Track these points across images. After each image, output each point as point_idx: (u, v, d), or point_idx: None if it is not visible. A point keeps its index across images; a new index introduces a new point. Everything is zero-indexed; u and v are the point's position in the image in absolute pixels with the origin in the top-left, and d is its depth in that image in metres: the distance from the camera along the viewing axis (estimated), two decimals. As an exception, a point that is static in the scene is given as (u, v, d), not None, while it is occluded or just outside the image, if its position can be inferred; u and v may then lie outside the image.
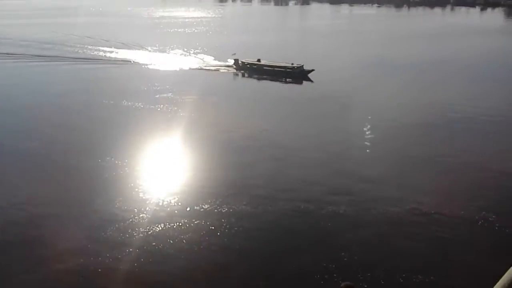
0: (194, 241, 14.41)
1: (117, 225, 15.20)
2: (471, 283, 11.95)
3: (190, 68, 44.48)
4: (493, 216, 15.15)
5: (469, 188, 17.67)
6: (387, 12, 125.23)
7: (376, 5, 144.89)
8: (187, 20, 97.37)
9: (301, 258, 13.32)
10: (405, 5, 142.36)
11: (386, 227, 15.10)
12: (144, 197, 17.36)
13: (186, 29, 78.92)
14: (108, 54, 50.93)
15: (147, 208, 16.46)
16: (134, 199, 17.12)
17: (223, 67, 44.13)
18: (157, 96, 33.07)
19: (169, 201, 17.01)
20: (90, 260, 13.28)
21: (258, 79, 40.66)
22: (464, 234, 14.56)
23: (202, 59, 48.31)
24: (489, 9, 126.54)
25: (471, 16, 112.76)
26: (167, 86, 35.87)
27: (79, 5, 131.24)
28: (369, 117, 27.08)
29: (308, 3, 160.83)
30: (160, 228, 15.11)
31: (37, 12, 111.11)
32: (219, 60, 46.72)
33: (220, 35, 70.66)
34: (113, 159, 20.89)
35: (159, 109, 29.73)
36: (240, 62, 43.11)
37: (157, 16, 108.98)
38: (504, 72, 41.82)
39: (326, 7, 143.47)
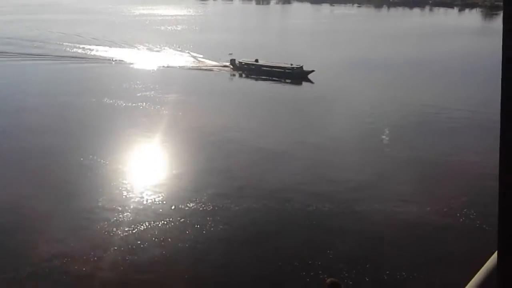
0: (180, 239, 14.36)
1: (101, 224, 15.05)
2: (452, 279, 12.18)
3: (180, 67, 43.78)
4: (474, 214, 15.48)
5: (450, 186, 18.02)
6: (367, 12, 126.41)
7: (356, 5, 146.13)
8: (168, 18, 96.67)
9: (286, 256, 13.39)
10: (384, 5, 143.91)
11: (370, 224, 15.29)
12: (128, 196, 17.22)
13: (168, 27, 78.42)
14: (89, 52, 50.24)
15: (131, 207, 16.33)
16: (118, 198, 16.97)
17: (219, 67, 43.09)
18: (140, 94, 32.81)
19: (153, 199, 16.91)
20: (74, 259, 13.12)
21: (256, 79, 39.83)
22: (446, 231, 14.85)
23: (190, 57, 47.74)
24: (467, 10, 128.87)
25: (449, 16, 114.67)
26: (156, 86, 35.40)
27: (58, 2, 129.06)
28: (357, 116, 27.36)
29: (289, 2, 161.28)
30: (145, 227, 15.02)
31: (17, 9, 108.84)
32: (206, 58, 46.26)
33: (202, 33, 70.42)
34: (95, 157, 20.65)
35: (141, 107, 29.50)
36: (237, 62, 42.03)
37: (137, 14, 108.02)
38: (481, 72, 42.57)
39: (307, 6, 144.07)
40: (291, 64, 39.59)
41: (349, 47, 57.17)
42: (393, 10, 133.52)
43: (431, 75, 40.69)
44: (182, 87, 35.23)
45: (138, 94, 32.76)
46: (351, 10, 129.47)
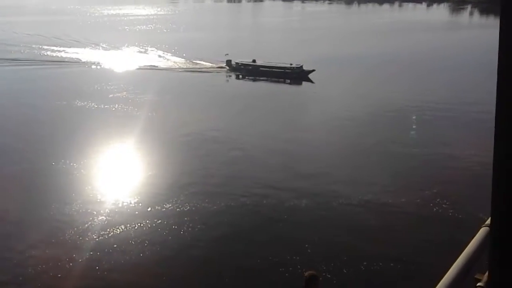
0: (157, 241, 14.23)
1: (76, 229, 14.77)
2: (426, 270, 12.42)
3: (170, 69, 42.62)
4: (447, 203, 15.85)
5: (423, 177, 18.40)
6: (338, 9, 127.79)
7: (327, 2, 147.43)
8: (139, 18, 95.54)
9: (265, 252, 13.44)
10: (355, 2, 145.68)
11: (346, 218, 15.48)
12: (102, 199, 16.96)
13: (138, 27, 77.50)
14: (57, 54, 49.15)
15: (107, 210, 16.09)
16: (93, 201, 16.69)
17: (215, 69, 41.84)
18: (117, 96, 32.32)
19: (129, 202, 16.70)
20: (49, 265, 12.85)
21: (253, 80, 39.00)
22: (419, 221, 15.15)
23: (165, 57, 47.05)
24: (435, 5, 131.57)
25: (418, 12, 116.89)
26: (142, 89, 34.60)
27: (23, 4, 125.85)
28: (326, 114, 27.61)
29: (261, 0, 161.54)
30: (121, 230, 14.82)
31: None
32: (178, 57, 45.70)
33: (175, 32, 69.85)
34: (68, 161, 20.25)
35: (114, 109, 29.08)
36: (233, 63, 40.96)
37: (107, 14, 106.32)
38: (448, 65, 43.55)
39: (279, 4, 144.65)
40: (291, 64, 38.66)
41: (323, 44, 57.48)
42: (363, 7, 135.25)
43: (402, 70, 41.41)
44: (176, 90, 34.48)
45: (136, 98, 32.23)
46: (322, 7, 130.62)
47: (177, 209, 16.06)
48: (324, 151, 21.88)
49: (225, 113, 28.34)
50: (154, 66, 43.65)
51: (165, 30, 72.96)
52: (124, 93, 33.06)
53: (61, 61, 45.70)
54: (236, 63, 40.95)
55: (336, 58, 47.15)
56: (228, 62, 41.36)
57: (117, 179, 19.19)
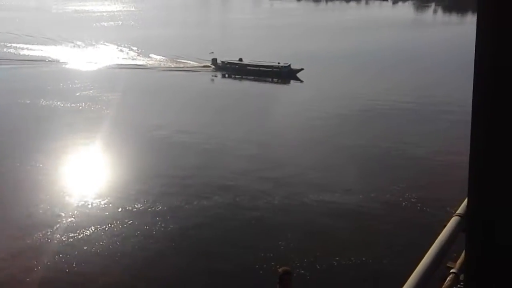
0: (128, 242, 14.01)
1: (44, 231, 14.37)
2: (399, 260, 12.71)
3: (152, 67, 41.50)
4: (415, 197, 16.23)
5: (391, 173, 18.77)
6: (306, 6, 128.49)
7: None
8: (104, 14, 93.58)
9: (239, 250, 13.45)
10: (322, 0, 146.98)
11: (319, 214, 15.64)
12: (71, 201, 16.56)
13: (106, 23, 75.92)
14: (20, 52, 47.61)
15: (76, 212, 15.73)
16: (61, 203, 16.28)
17: (200, 67, 40.73)
18: (87, 95, 31.59)
19: (98, 203, 16.37)
20: (17, 270, 12.48)
21: (240, 80, 38.29)
22: (390, 215, 15.45)
23: (131, 55, 46.07)
24: (400, 3, 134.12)
25: (384, 9, 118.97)
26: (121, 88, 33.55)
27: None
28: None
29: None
30: (91, 231, 14.52)
31: None
32: (158, 56, 44.58)
33: (146, 29, 68.63)
34: (33, 162, 19.70)
35: (81, 108, 28.43)
36: (219, 61, 39.84)
37: (71, 10, 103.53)
38: (412, 62, 44.41)
39: (248, 0, 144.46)
40: (278, 63, 38.12)
41: (297, 41, 57.18)
42: (330, 4, 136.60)
43: (367, 66, 41.97)
44: (159, 89, 33.57)
45: (108, 97, 31.49)
46: (290, 4, 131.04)
47: (149, 209, 15.86)
48: (297, 150, 21.95)
49: (203, 113, 27.96)
50: (132, 65, 42.31)
51: (136, 27, 71.74)
52: (103, 93, 32.31)
53: (24, 60, 44.13)
54: (222, 61, 39.90)
55: (315, 55, 46.34)
56: (214, 61, 40.19)
57: (86, 179, 18.76)
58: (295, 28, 71.27)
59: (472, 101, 2.17)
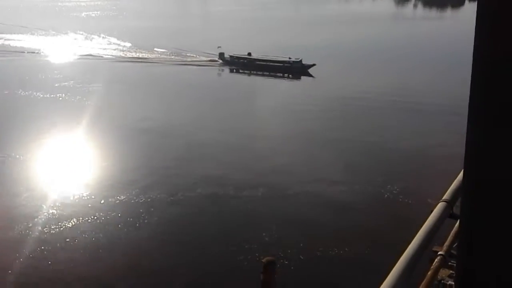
0: (112, 234, 13.92)
1: (25, 223, 14.18)
2: (381, 250, 12.94)
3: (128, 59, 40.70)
4: (397, 189, 16.50)
5: (374, 165, 19.02)
6: (287, 0, 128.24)
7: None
8: (82, 4, 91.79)
9: (224, 242, 13.49)
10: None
11: (302, 206, 15.77)
12: (52, 192, 16.33)
13: (82, 14, 74.53)
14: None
15: (57, 204, 15.54)
16: (42, 195, 16.07)
17: (206, 61, 39.67)
18: (73, 87, 31.04)
19: (80, 194, 16.21)
20: (-2, 262, 12.31)
21: (248, 75, 37.10)
22: (372, 207, 15.68)
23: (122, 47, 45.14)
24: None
25: (364, 4, 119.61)
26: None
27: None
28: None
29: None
30: (74, 223, 14.38)
31: None
32: (161, 48, 43.37)
33: (129, 20, 67.72)
34: (13, 153, 19.35)
35: (61, 98, 27.96)
36: (227, 56, 38.72)
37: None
38: (393, 55, 44.79)
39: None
40: (289, 58, 36.89)
41: (278, 34, 56.93)
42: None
43: (352, 61, 42.15)
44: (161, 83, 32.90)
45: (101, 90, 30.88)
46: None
47: (132, 201, 15.77)
48: (284, 145, 21.91)
49: (194, 106, 27.71)
50: (135, 58, 41.07)
51: (120, 18, 70.57)
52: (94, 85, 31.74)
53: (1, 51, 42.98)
54: (230, 56, 38.92)
55: (312, 49, 44.61)
56: (221, 55, 39.17)
57: (68, 171, 18.52)
58: (281, 21, 71.05)
59: (470, 91, 2.24)
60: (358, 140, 21.96)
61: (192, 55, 41.65)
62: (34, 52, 42.43)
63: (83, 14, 73.83)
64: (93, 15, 73.54)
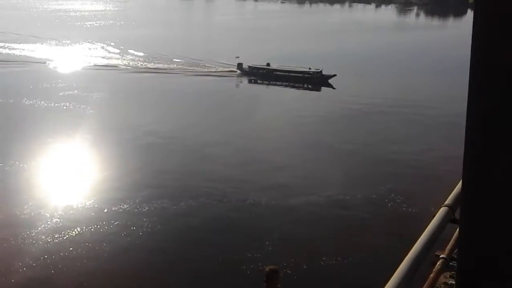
0: (115, 243, 13.94)
1: (28, 232, 14.20)
2: (384, 261, 12.88)
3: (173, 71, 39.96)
4: (400, 198, 16.47)
5: (377, 174, 19.01)
6: (290, 8, 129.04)
7: (280, 1, 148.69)
8: (87, 13, 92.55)
9: (226, 250, 13.48)
10: (307, 2, 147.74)
11: (305, 215, 15.77)
12: (56, 201, 16.38)
13: (88, 23, 75.04)
14: (2, 51, 46.65)
15: (61, 213, 15.57)
16: (46, 204, 16.10)
17: (225, 72, 39.05)
18: (79, 96, 31.20)
19: (84, 203, 16.23)
20: (1, 271, 12.30)
21: (267, 85, 36.68)
22: (375, 216, 15.67)
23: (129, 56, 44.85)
24: (383, 6, 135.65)
25: (367, 12, 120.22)
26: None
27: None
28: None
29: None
30: (77, 232, 14.40)
31: None
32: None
33: (126, 29, 68.17)
34: (17, 162, 19.40)
35: (65, 108, 28.09)
36: (245, 66, 38.23)
37: (53, 9, 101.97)
38: (399, 65, 44.95)
39: (232, 2, 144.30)
40: (309, 68, 36.45)
41: (280, 43, 56.82)
42: (315, 6, 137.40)
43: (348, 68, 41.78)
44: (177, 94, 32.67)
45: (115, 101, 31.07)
46: (274, 6, 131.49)
47: (135, 210, 15.78)
48: (288, 152, 21.92)
49: (194, 114, 27.73)
50: (156, 68, 40.42)
51: (130, 27, 70.87)
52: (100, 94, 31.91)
53: (7, 60, 42.85)
54: (249, 66, 38.34)
55: (326, 58, 43.76)
56: (239, 66, 38.54)
57: (71, 180, 18.54)
58: (289, 30, 71.05)
59: (467, 98, 2.26)
60: (354, 147, 21.92)
61: (209, 65, 41.11)
62: (42, 62, 42.23)
63: (88, 24, 74.30)
64: (97, 24, 74.00)
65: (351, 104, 29.90)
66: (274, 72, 37.38)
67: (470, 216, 2.41)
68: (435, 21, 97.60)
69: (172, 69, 40.63)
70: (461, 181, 3.22)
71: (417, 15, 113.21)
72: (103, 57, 45.04)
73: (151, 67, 41.17)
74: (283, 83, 36.43)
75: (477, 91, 2.20)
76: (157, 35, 59.33)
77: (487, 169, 2.20)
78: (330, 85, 35.34)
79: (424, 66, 42.79)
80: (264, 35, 65.05)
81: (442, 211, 3.07)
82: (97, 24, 73.99)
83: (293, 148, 22.31)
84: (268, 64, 38.11)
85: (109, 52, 47.65)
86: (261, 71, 37.84)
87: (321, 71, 36.15)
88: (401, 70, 41.72)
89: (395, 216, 15.45)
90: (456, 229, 3.10)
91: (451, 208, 3.08)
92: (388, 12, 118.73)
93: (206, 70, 40.05)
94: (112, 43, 51.34)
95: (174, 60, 43.20)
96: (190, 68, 40.59)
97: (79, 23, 74.13)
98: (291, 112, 28.23)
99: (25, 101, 29.09)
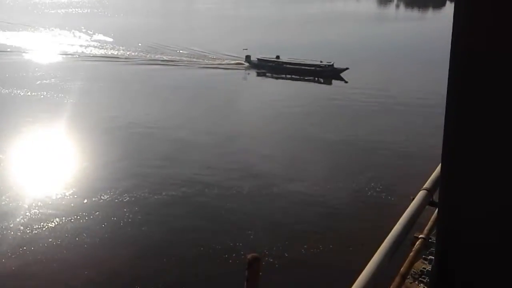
0: (96, 233, 13.81)
1: (7, 224, 13.97)
2: (365, 248, 13.07)
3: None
4: (380, 187, 16.69)
5: (357, 164, 19.21)
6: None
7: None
8: (63, 1, 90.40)
9: (209, 240, 13.48)
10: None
11: (288, 204, 15.84)
12: (34, 192, 16.11)
13: (62, 10, 73.31)
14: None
15: (39, 204, 15.33)
16: (24, 195, 15.84)
17: (232, 65, 38.26)
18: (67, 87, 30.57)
19: (63, 194, 16.02)
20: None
21: (276, 78, 35.65)
22: (355, 204, 15.86)
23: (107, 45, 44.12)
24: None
25: (348, 3, 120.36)
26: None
27: None
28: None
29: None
30: (57, 223, 14.22)
31: None
32: (122, 46, 42.62)
33: (104, 17, 66.93)
34: (-6, 153, 19.02)
35: (42, 97, 27.56)
36: (254, 58, 37.40)
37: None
38: (381, 56, 45.12)
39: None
40: (321, 61, 35.60)
41: (264, 33, 56.27)
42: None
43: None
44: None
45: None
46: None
47: (116, 200, 15.65)
48: (263, 140, 22.05)
49: (186, 105, 27.51)
50: (167, 60, 39.67)
51: (95, 15, 69.63)
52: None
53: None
54: (258, 59, 37.60)
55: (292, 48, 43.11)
56: (248, 58, 37.90)
57: (50, 170, 18.26)
58: (274, 20, 70.49)
59: (447, 87, 2.33)
60: (335, 138, 22.09)
61: (216, 57, 40.32)
62: (21, 52, 41.12)
63: (62, 12, 72.57)
64: (81, 12, 72.40)
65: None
66: (284, 65, 36.58)
67: (447, 199, 2.50)
68: (414, 13, 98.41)
69: (179, 61, 39.82)
70: (439, 165, 3.32)
71: (397, 6, 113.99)
72: (82, 46, 44.15)
73: (164, 59, 40.10)
74: (293, 76, 35.67)
75: (456, 80, 2.27)
76: (145, 23, 58.32)
77: (464, 154, 2.28)
78: (342, 79, 34.64)
79: (406, 56, 42.97)
80: (247, 23, 64.54)
81: (421, 194, 3.15)
82: (76, 12, 72.44)
83: (274, 140, 22.34)
84: (277, 57, 37.43)
85: (87, 40, 46.72)
86: (270, 63, 37.09)
87: (332, 64, 35.45)
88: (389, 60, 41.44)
89: (375, 204, 15.67)
90: (434, 211, 3.20)
91: (430, 191, 3.17)
92: (369, 4, 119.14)
93: (215, 63, 38.93)
94: (90, 31, 50.42)
95: (183, 51, 42.25)
96: (200, 60, 39.61)
97: (55, 11, 72.41)
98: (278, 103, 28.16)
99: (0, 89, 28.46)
